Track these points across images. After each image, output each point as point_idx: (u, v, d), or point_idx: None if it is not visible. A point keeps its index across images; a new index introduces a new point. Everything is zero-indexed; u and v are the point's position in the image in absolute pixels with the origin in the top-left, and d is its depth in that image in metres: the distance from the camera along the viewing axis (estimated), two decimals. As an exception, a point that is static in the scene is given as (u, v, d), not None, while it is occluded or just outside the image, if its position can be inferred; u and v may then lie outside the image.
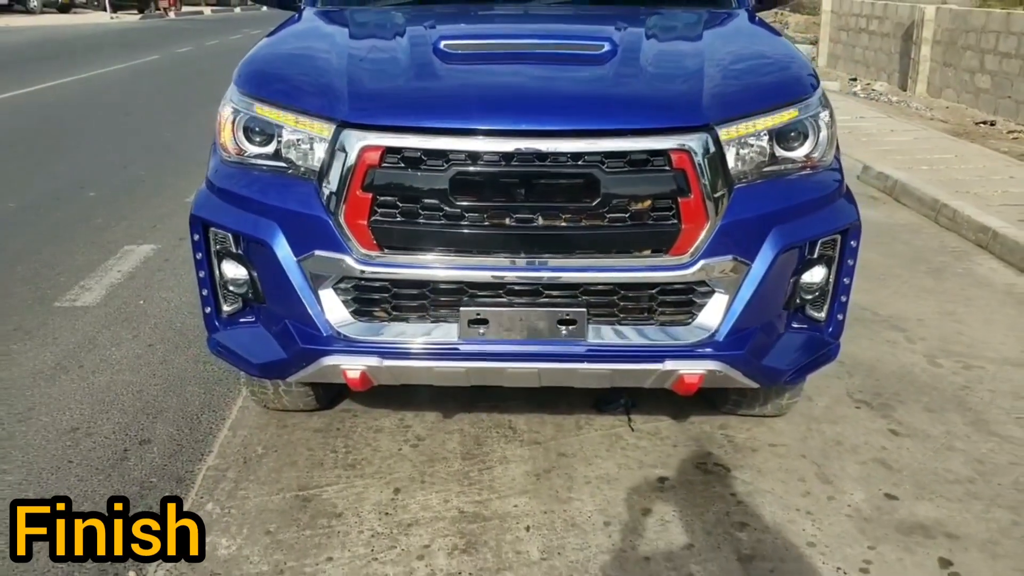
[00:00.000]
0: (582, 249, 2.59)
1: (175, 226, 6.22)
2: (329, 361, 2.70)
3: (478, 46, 3.02)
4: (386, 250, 2.60)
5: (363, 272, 2.62)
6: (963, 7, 13.27)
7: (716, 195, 2.58)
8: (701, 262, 2.60)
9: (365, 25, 3.39)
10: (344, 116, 2.60)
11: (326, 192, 2.60)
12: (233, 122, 2.83)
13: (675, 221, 2.57)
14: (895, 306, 4.87)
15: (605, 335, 2.68)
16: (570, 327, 2.64)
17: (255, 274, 2.83)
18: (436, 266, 2.61)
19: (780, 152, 2.76)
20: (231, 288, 2.93)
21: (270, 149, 2.77)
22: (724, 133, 2.62)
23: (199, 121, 10.53)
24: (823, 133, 2.83)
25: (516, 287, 2.66)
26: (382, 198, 2.57)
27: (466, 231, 2.57)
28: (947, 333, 4.53)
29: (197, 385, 3.96)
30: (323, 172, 2.62)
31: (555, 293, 2.67)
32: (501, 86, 2.70)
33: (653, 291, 2.68)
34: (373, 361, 2.66)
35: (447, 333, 2.67)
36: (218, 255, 2.91)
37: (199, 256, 2.91)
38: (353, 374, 2.71)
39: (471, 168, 2.52)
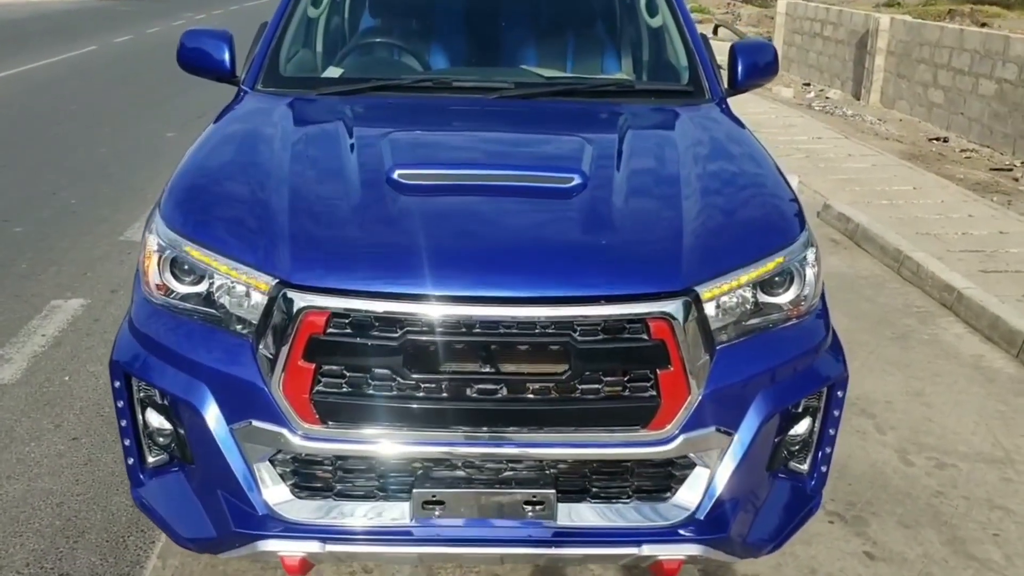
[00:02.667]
0: (551, 424, 2.34)
1: (108, 273, 5.85)
2: (265, 546, 2.41)
3: (436, 176, 2.72)
4: (331, 424, 2.32)
5: (304, 448, 2.34)
6: (917, 20, 13.22)
7: (699, 362, 2.34)
8: (681, 437, 2.37)
9: (309, 133, 3.06)
10: (285, 275, 2.31)
11: (263, 356, 2.31)
12: (160, 258, 2.51)
13: (653, 394, 2.33)
14: (863, 385, 4.70)
15: (576, 516, 2.43)
16: (537, 508, 2.39)
17: (183, 432, 2.53)
18: (387, 442, 2.34)
19: (763, 299, 2.53)
20: (158, 439, 2.63)
21: (201, 289, 2.46)
22: (706, 292, 2.38)
23: (137, 134, 10.10)
24: (809, 275, 2.61)
25: (477, 465, 2.40)
26: (327, 367, 2.29)
27: (421, 405, 2.30)
28: (916, 420, 4.37)
29: (124, 495, 3.62)
30: (260, 332, 2.32)
31: (521, 471, 2.42)
32: (461, 245, 2.41)
33: (629, 467, 2.44)
34: (314, 547, 2.39)
35: (399, 514, 2.40)
36: (142, 403, 2.60)
37: (120, 404, 2.60)
38: (291, 561, 2.43)
39: (427, 337, 2.25)
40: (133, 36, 20.55)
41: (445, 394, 2.30)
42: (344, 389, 2.30)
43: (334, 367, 2.29)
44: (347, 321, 2.26)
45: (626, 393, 2.33)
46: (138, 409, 2.61)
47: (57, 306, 5.40)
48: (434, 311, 2.24)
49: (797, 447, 2.71)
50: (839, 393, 2.68)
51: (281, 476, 2.42)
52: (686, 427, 2.37)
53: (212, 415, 2.39)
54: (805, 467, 2.73)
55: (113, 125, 10.72)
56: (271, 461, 2.41)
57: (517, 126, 3.28)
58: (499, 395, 2.31)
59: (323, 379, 2.30)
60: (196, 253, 2.45)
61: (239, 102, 3.40)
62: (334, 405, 2.30)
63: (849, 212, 7.17)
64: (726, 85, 3.81)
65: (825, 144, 10.06)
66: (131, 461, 2.65)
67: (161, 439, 2.62)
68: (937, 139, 11.01)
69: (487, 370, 2.29)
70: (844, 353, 2.74)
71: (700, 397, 2.36)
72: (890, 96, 12.95)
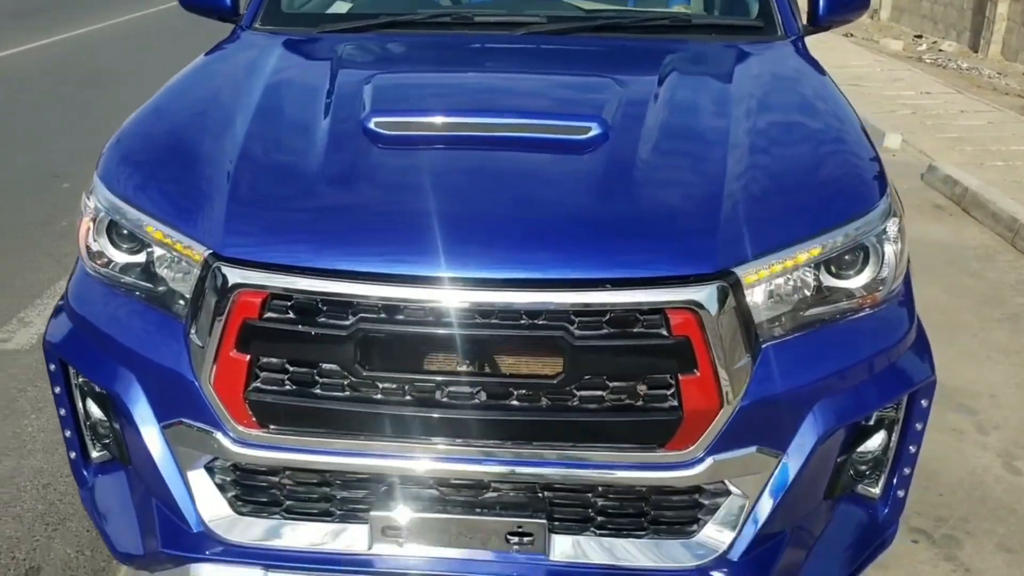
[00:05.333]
0: (541, 439, 1.86)
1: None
2: (198, 571, 2.01)
3: (420, 126, 2.24)
4: (271, 428, 1.89)
5: (240, 456, 1.92)
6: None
7: (736, 365, 1.83)
8: (710, 460, 1.86)
9: (289, 77, 2.60)
10: (216, 245, 1.88)
11: (194, 343, 1.89)
12: (94, 221, 2.12)
13: (674, 405, 1.82)
14: (963, 374, 4.06)
15: (573, 551, 1.96)
16: (523, 540, 1.92)
17: (118, 427, 2.14)
18: (337, 453, 1.90)
19: (830, 282, 1.99)
20: (100, 432, 2.26)
21: (140, 259, 2.06)
22: (749, 275, 1.85)
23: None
24: (889, 253, 2.04)
25: (451, 485, 1.94)
26: (264, 360, 1.86)
27: (378, 409, 1.85)
28: (1027, 419, 3.73)
29: (115, 478, 3.32)
30: (192, 314, 1.91)
31: (506, 494, 1.95)
32: (430, 212, 1.91)
33: (641, 493, 1.95)
34: (256, 574, 1.97)
35: (354, 540, 1.97)
36: (81, 391, 2.23)
37: (57, 390, 2.25)
38: (229, 590, 2.03)
39: (384, 326, 1.79)
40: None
41: (408, 397, 1.85)
42: (285, 387, 1.87)
43: (273, 360, 1.86)
44: (288, 304, 1.82)
45: (639, 403, 1.83)
46: (77, 398, 2.24)
47: (88, 266, 5.14)
48: (392, 293, 1.78)
49: (867, 467, 2.18)
50: (923, 402, 2.13)
51: (220, 487, 2.02)
52: (716, 447, 1.86)
53: (142, 411, 2.01)
54: (876, 491, 2.19)
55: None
56: (208, 470, 2.01)
57: (538, 68, 2.75)
58: (475, 401, 1.84)
59: (261, 374, 1.87)
60: (132, 217, 2.05)
61: (228, 42, 2.97)
62: (272, 406, 1.87)
63: (957, 175, 6.39)
64: (805, 21, 3.20)
65: (934, 99, 9.16)
66: (73, 455, 2.30)
67: (102, 432, 2.25)
68: (1065, 95, 9.95)
69: (461, 369, 1.83)
70: (931, 352, 2.18)
71: (736, 409, 1.84)
72: (1013, 48, 11.80)
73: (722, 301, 1.80)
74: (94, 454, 2.29)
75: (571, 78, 2.65)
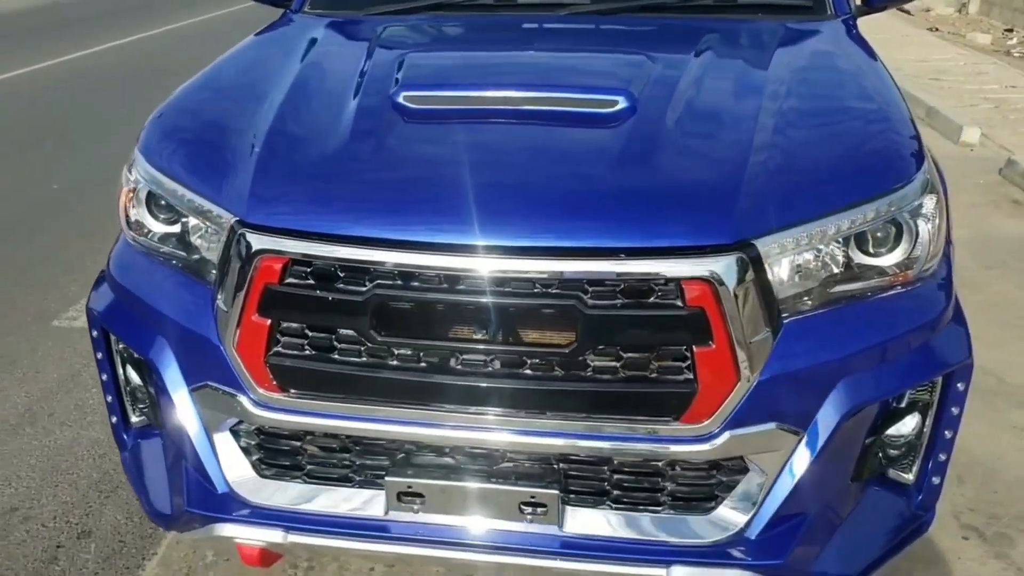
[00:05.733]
0: (555, 408, 1.85)
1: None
2: (221, 531, 2.06)
3: (450, 99, 2.25)
4: (292, 392, 1.93)
5: (262, 418, 1.96)
6: None
7: (755, 338, 1.79)
8: (727, 434, 1.83)
9: (328, 55, 2.64)
10: (241, 212, 1.92)
11: (219, 309, 1.94)
12: (134, 193, 2.19)
13: (689, 377, 1.80)
14: (1029, 370, 3.91)
15: (588, 523, 1.94)
16: (537, 511, 1.91)
17: (153, 392, 2.21)
18: (354, 418, 1.93)
19: (860, 259, 1.94)
20: (138, 396, 2.33)
21: (177, 229, 2.12)
22: (770, 248, 1.81)
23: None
24: (925, 230, 1.98)
25: (468, 453, 1.95)
26: (285, 325, 1.89)
27: (395, 375, 1.87)
28: (1095, 418, 3.57)
29: (167, 450, 3.42)
30: (219, 280, 1.96)
31: (522, 465, 1.95)
32: (447, 182, 1.93)
33: (658, 467, 1.92)
34: (276, 536, 2.01)
35: (372, 505, 1.99)
36: (121, 357, 2.31)
37: (99, 356, 2.32)
38: (249, 551, 2.08)
39: (399, 292, 1.81)
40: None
41: (422, 364, 1.86)
42: (304, 352, 1.90)
43: (293, 325, 1.89)
44: (308, 270, 1.85)
45: (653, 375, 1.81)
46: (119, 364, 2.31)
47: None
48: (408, 259, 1.79)
49: (900, 451, 2.11)
50: (959, 385, 2.05)
51: (245, 450, 2.06)
52: (733, 422, 1.83)
53: (172, 375, 2.07)
54: (910, 477, 2.12)
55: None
56: (233, 433, 2.06)
57: (573, 45, 2.72)
58: (490, 369, 1.84)
59: (282, 338, 1.90)
60: (168, 188, 2.11)
61: (276, 25, 3.03)
62: (291, 370, 1.91)
63: (1038, 169, 6.15)
64: (859, 1, 3.12)
65: (1020, 94, 8.82)
66: (114, 420, 2.38)
67: (140, 397, 2.32)
68: None
69: (474, 337, 1.84)
70: (968, 335, 2.10)
71: (754, 384, 1.81)
72: (1108, 41, 11.30)
73: (740, 273, 1.77)
74: (133, 419, 2.36)
75: (604, 54, 2.63)
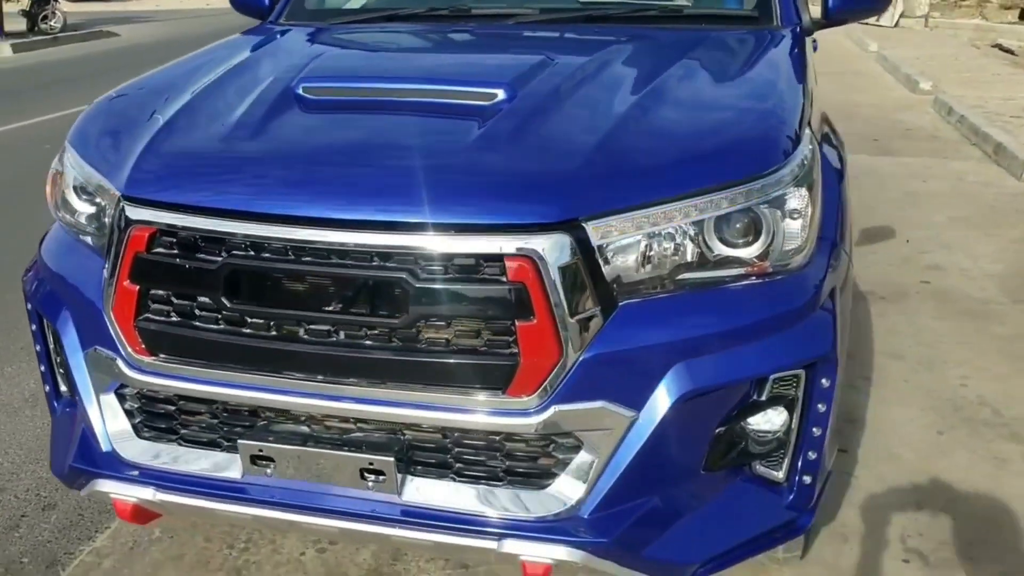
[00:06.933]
0: (393, 378, 1.92)
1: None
2: (100, 486, 2.20)
3: (343, 91, 2.38)
4: (160, 356, 2.05)
5: (135, 380, 2.09)
6: None
7: (579, 317, 1.83)
8: (553, 408, 1.86)
9: (263, 57, 2.80)
10: (121, 187, 2.08)
11: (104, 277, 2.09)
12: (60, 176, 2.38)
13: (513, 351, 1.84)
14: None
15: (427, 494, 1.99)
16: (377, 478, 1.97)
17: (60, 359, 2.38)
18: (213, 383, 2.04)
19: (718, 248, 1.95)
20: (61, 369, 2.50)
21: (92, 209, 2.29)
22: (604, 229, 1.85)
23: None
24: (786, 222, 1.98)
25: (310, 420, 2.04)
26: (152, 291, 2.02)
27: (248, 343, 1.97)
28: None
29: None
30: (106, 252, 2.11)
31: (370, 434, 2.02)
32: (302, 161, 2.05)
33: (494, 440, 1.96)
34: (147, 493, 2.13)
35: (231, 468, 2.09)
36: (51, 329, 2.48)
37: (33, 328, 2.50)
38: (123, 506, 2.19)
39: (248, 262, 1.92)
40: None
41: (273, 333, 1.96)
42: (170, 318, 2.02)
43: (159, 292, 2.02)
44: (172, 240, 1.99)
45: (481, 348, 1.86)
46: (48, 334, 2.49)
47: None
48: (255, 231, 1.91)
49: (767, 447, 2.08)
50: (823, 381, 2.02)
51: (128, 413, 2.19)
52: (559, 397, 1.86)
53: (71, 341, 2.23)
54: (780, 475, 2.10)
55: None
56: (119, 396, 2.19)
57: (489, 49, 2.83)
58: (333, 339, 1.93)
59: (151, 305, 2.03)
60: (86, 171, 2.29)
61: (245, 34, 3.22)
62: (157, 335, 2.03)
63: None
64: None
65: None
66: (47, 388, 2.55)
67: (61, 368, 2.49)
68: None
69: (315, 307, 1.93)
70: (835, 331, 2.06)
71: (579, 361, 1.84)
72: None
73: (564, 252, 1.81)
74: (62, 388, 2.53)
75: (511, 56, 2.71)
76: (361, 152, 2.06)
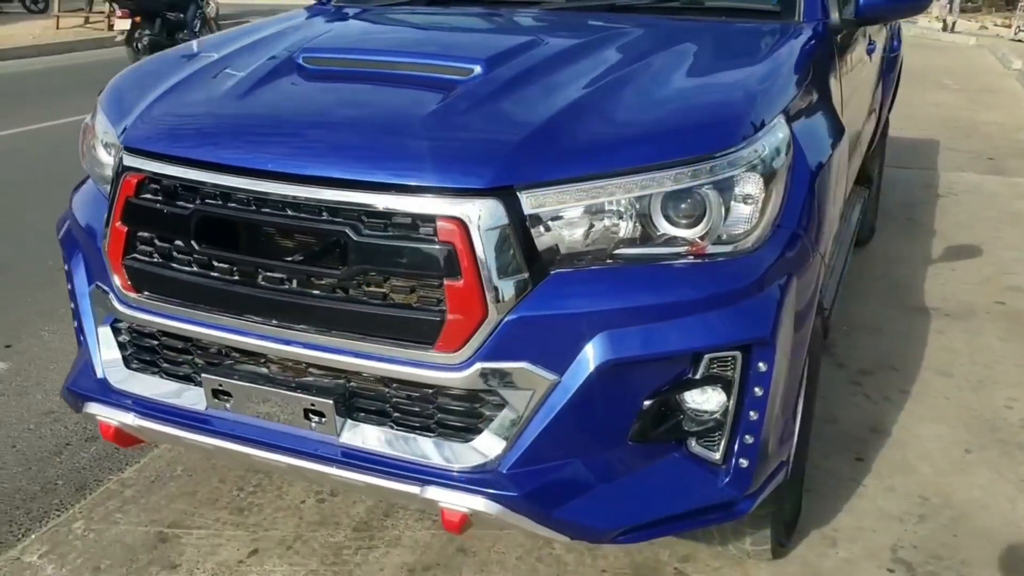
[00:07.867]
0: (333, 326, 2.05)
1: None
2: (90, 409, 2.41)
3: (335, 61, 2.54)
4: (144, 293, 2.25)
5: (123, 314, 2.30)
6: None
7: (506, 279, 1.91)
8: (477, 365, 1.95)
9: (289, 31, 2.97)
10: (121, 137, 2.30)
11: (105, 219, 2.31)
12: (89, 129, 2.62)
13: (441, 308, 1.94)
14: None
15: (363, 438, 2.11)
16: (319, 419, 2.11)
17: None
18: (185, 320, 2.21)
19: (666, 229, 2.01)
20: (84, 304, 2.75)
21: (112, 162, 2.52)
22: (535, 200, 1.94)
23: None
24: (739, 210, 2.01)
25: (267, 362, 2.19)
26: (138, 233, 2.23)
27: (212, 284, 2.15)
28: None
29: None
30: (109, 198, 2.33)
31: (310, 378, 2.16)
32: (275, 121, 2.24)
33: (427, 393, 2.07)
34: (128, 418, 2.33)
35: (197, 400, 2.27)
36: (78, 268, 2.74)
37: (65, 268, 2.75)
38: (106, 427, 2.40)
39: (217, 210, 2.10)
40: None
41: (236, 277, 2.12)
42: (152, 258, 2.22)
43: (144, 234, 2.22)
44: (157, 187, 2.18)
45: (414, 303, 1.98)
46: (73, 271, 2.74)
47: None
48: (222, 181, 2.08)
49: (704, 427, 2.11)
50: (760, 365, 2.04)
51: (120, 345, 2.41)
52: (484, 355, 1.95)
53: (80, 279, 2.48)
54: (716, 456, 2.12)
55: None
56: (114, 329, 2.41)
57: (495, 31, 2.93)
58: (286, 287, 2.08)
59: (137, 245, 2.24)
60: (106, 127, 2.52)
61: (295, 13, 3.43)
62: (140, 273, 2.23)
63: None
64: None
65: None
66: (75, 324, 2.80)
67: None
68: None
69: (276, 256, 2.08)
70: (773, 317, 2.06)
71: (502, 321, 1.93)
72: None
73: (494, 217, 1.89)
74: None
75: (509, 37, 2.78)
76: (325, 114, 2.23)
